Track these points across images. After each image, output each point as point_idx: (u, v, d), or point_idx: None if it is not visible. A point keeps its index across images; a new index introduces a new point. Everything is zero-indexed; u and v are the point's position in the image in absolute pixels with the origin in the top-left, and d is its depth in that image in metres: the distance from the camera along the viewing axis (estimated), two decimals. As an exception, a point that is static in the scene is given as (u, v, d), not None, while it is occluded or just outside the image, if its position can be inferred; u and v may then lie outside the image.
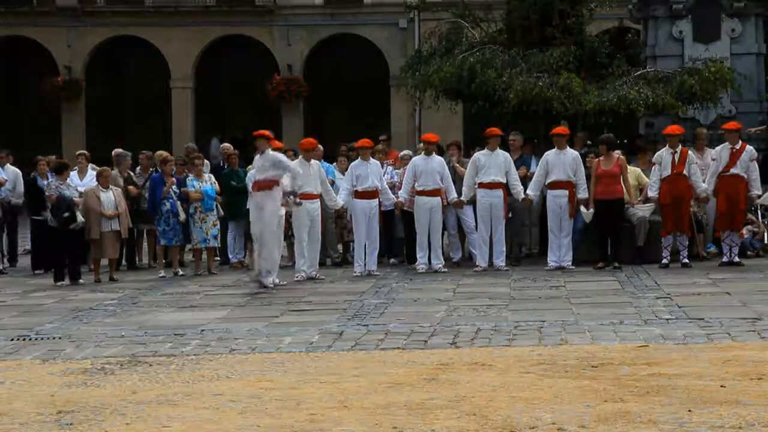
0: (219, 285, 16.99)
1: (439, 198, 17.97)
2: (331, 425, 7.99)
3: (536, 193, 18.18)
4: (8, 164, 20.64)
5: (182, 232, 18.48)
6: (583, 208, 17.95)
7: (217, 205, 18.59)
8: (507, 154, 18.26)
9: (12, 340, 12.31)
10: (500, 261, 17.99)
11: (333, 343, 11.53)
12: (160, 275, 18.24)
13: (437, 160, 18.14)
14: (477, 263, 18.02)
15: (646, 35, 22.22)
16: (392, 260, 19.29)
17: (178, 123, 36.56)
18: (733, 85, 20.47)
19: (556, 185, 18.02)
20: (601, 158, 18.02)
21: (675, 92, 19.77)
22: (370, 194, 17.88)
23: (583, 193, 17.97)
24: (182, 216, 18.30)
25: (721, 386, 8.93)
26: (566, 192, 17.96)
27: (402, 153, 20.14)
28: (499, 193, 17.92)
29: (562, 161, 18.00)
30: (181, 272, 18.42)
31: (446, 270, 17.86)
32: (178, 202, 18.32)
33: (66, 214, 17.48)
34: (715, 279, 16.21)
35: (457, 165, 18.75)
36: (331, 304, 14.60)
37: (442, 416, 8.15)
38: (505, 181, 17.96)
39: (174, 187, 18.37)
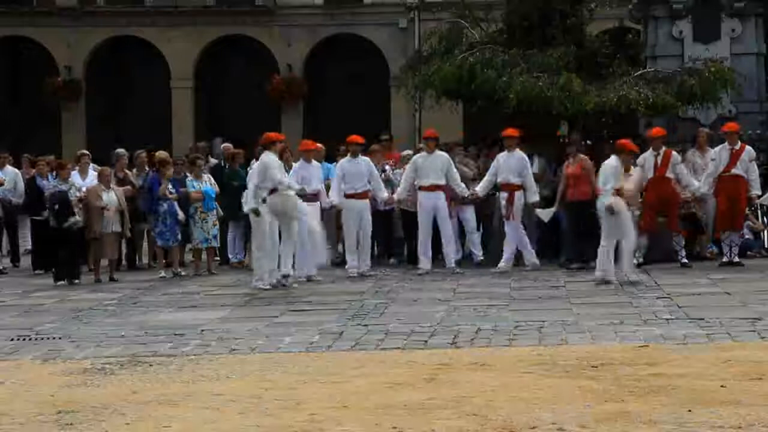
0: (219, 285, 16.98)
1: (367, 201, 17.99)
2: (331, 425, 7.99)
3: (484, 190, 18.21)
4: (7, 165, 20.81)
5: (180, 232, 18.46)
6: (538, 210, 18.00)
7: (216, 205, 18.59)
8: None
9: (12, 340, 12.31)
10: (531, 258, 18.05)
11: (333, 343, 11.53)
12: (160, 275, 18.24)
13: (364, 161, 18.11)
14: (475, 260, 18.07)
15: (646, 35, 22.21)
16: (392, 260, 19.31)
17: (178, 123, 36.55)
18: (733, 85, 20.45)
19: (503, 187, 18.12)
20: (570, 160, 18.11)
21: (675, 92, 19.76)
22: (314, 196, 17.66)
23: (533, 196, 18.00)
24: (181, 215, 18.28)
25: (721, 386, 8.93)
26: (505, 194, 18.03)
27: (404, 153, 20.16)
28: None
29: (508, 163, 18.04)
30: (183, 272, 18.42)
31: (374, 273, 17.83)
32: (175, 203, 18.30)
33: (56, 206, 17.47)
34: (715, 279, 16.22)
35: (460, 165, 18.82)
36: (331, 304, 14.60)
37: (442, 416, 8.14)
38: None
39: (170, 187, 18.33)
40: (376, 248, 19.87)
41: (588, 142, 19.99)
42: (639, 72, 20.47)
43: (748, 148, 18.12)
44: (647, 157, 17.91)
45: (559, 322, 12.44)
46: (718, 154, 18.01)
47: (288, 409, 8.49)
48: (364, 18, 36.57)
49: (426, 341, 11.53)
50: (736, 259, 17.65)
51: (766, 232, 19.52)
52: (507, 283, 16.41)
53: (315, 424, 8.02)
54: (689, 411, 8.11)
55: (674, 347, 10.84)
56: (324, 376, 9.75)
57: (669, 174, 17.80)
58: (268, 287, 15.88)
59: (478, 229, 19.12)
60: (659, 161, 17.81)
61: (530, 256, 18.07)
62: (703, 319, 12.42)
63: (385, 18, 36.22)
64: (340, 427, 7.94)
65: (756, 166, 18.20)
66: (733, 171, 17.80)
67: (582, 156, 18.07)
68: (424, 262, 17.96)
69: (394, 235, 19.46)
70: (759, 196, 18.29)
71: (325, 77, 36.97)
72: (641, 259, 17.61)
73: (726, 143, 18.02)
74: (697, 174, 19.21)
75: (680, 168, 17.96)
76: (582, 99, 19.22)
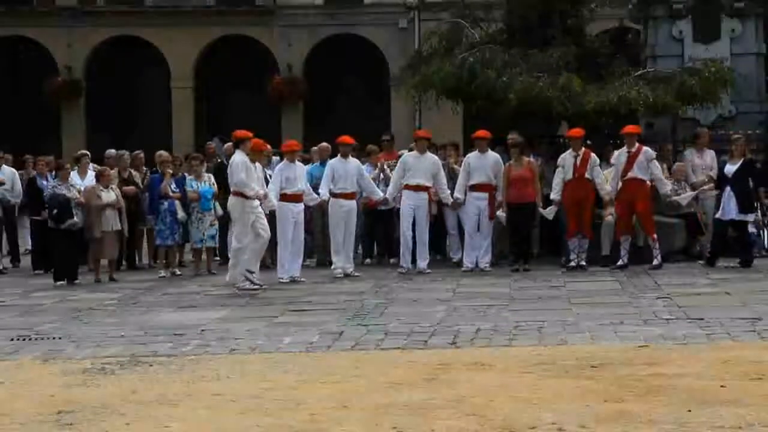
0: (219, 285, 16.97)
1: (354, 201, 18.05)
2: (331, 425, 7.99)
3: (461, 195, 18.27)
4: (5, 165, 20.79)
5: (180, 231, 18.45)
6: (499, 211, 18.06)
7: (216, 204, 18.57)
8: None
9: (12, 340, 12.31)
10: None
11: (333, 343, 11.53)
12: (160, 275, 18.25)
13: (354, 163, 18.18)
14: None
15: (646, 35, 22.21)
16: (392, 260, 19.31)
17: (178, 123, 36.55)
18: (733, 85, 20.44)
19: (476, 188, 18.15)
20: (512, 162, 18.13)
21: (675, 92, 19.75)
22: (297, 197, 17.57)
23: (499, 195, 18.18)
24: (180, 214, 18.28)
25: (721, 386, 8.94)
26: (486, 195, 18.10)
27: (402, 152, 20.18)
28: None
29: (482, 164, 18.10)
30: (179, 272, 18.41)
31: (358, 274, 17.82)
32: (176, 201, 18.30)
33: (54, 211, 17.48)
34: (715, 279, 16.23)
35: (455, 166, 18.87)
36: (331, 304, 14.60)
37: (442, 416, 8.15)
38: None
39: (172, 186, 18.34)
40: (375, 248, 19.94)
41: (588, 142, 19.96)
42: (639, 72, 20.45)
43: (645, 149, 18.06)
44: (566, 157, 17.97)
45: (559, 322, 12.45)
46: (617, 158, 18.08)
47: (288, 409, 8.49)
48: (364, 18, 36.56)
49: (426, 341, 11.54)
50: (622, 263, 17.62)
51: (766, 231, 19.48)
52: (507, 283, 16.42)
53: (315, 424, 8.02)
54: (689, 411, 8.11)
55: (674, 347, 10.84)
56: (324, 376, 9.75)
57: (587, 175, 17.84)
58: (257, 286, 15.84)
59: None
60: (578, 162, 17.86)
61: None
62: (703, 319, 12.42)
63: (385, 18, 36.21)
64: (340, 427, 7.94)
65: (657, 165, 18.15)
66: (630, 175, 17.83)
67: (527, 159, 18.13)
68: (404, 261, 18.10)
69: (394, 235, 19.46)
70: (668, 195, 18.33)
71: (325, 77, 36.96)
72: (574, 263, 17.68)
73: (625, 147, 18.04)
74: (696, 174, 19.25)
75: (597, 171, 18.04)
76: (582, 99, 19.22)
